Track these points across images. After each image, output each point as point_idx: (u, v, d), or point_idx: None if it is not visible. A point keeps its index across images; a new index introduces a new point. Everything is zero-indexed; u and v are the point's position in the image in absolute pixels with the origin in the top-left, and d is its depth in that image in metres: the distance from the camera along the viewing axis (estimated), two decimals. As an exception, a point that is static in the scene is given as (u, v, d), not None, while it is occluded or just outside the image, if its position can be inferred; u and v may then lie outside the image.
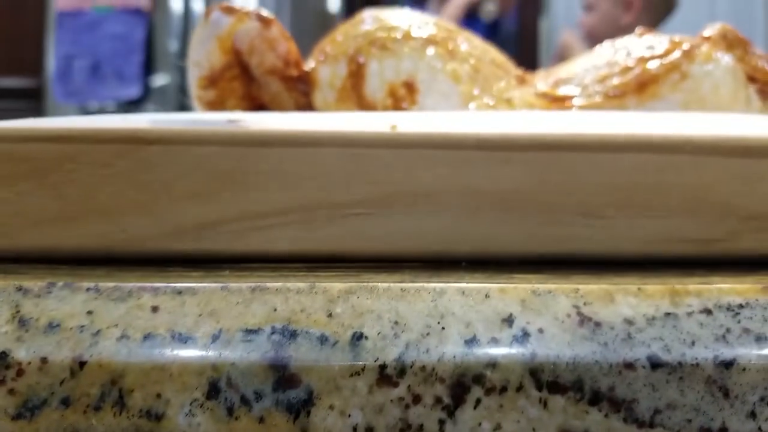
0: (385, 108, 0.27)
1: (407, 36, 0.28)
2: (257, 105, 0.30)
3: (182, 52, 1.46)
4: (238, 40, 0.27)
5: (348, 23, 0.29)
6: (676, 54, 0.29)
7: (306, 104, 0.29)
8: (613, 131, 0.21)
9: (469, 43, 0.29)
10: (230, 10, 0.26)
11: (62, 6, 1.49)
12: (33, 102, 1.65)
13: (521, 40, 1.79)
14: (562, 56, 1.20)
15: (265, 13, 0.27)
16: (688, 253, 0.21)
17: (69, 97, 1.48)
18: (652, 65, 0.29)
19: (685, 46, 0.29)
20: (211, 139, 0.20)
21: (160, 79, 1.49)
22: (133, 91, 1.47)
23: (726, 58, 0.29)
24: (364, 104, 0.28)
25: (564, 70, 0.31)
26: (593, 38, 1.19)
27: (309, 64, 0.30)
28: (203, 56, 0.27)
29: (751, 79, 0.31)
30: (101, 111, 1.46)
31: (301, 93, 0.29)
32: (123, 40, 1.50)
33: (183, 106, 1.49)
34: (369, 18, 0.29)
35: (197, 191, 0.20)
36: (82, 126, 0.20)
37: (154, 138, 0.20)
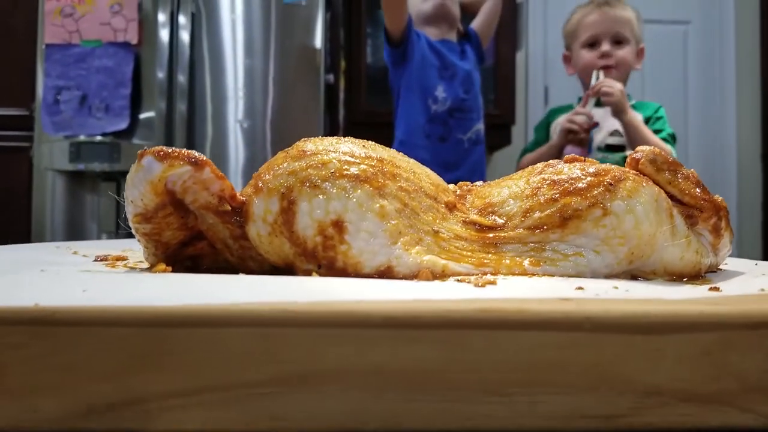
0: (315, 246, 0.28)
1: (338, 174, 0.28)
2: (194, 234, 0.31)
3: (169, 85, 1.47)
4: (171, 182, 0.27)
5: (287, 153, 0.30)
6: (599, 189, 0.29)
7: (241, 235, 0.30)
8: (508, 308, 0.21)
9: (401, 173, 0.30)
10: (162, 156, 0.27)
11: (50, 39, 1.50)
12: (24, 131, 1.66)
13: (498, 73, 1.80)
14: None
15: (196, 154, 0.27)
16: (590, 428, 0.21)
17: (57, 130, 1.49)
18: (575, 200, 0.29)
19: (609, 180, 0.29)
20: (120, 320, 0.21)
21: (147, 112, 1.50)
22: (120, 124, 1.49)
23: (650, 192, 0.30)
24: (294, 240, 0.28)
25: (495, 192, 0.32)
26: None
27: (246, 191, 0.30)
28: (137, 197, 0.27)
29: (679, 202, 0.31)
30: (89, 142, 1.47)
31: (236, 225, 0.29)
32: (111, 73, 1.52)
33: (169, 139, 1.49)
34: (305, 151, 0.29)
35: (108, 372, 0.21)
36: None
37: (66, 320, 0.21)
